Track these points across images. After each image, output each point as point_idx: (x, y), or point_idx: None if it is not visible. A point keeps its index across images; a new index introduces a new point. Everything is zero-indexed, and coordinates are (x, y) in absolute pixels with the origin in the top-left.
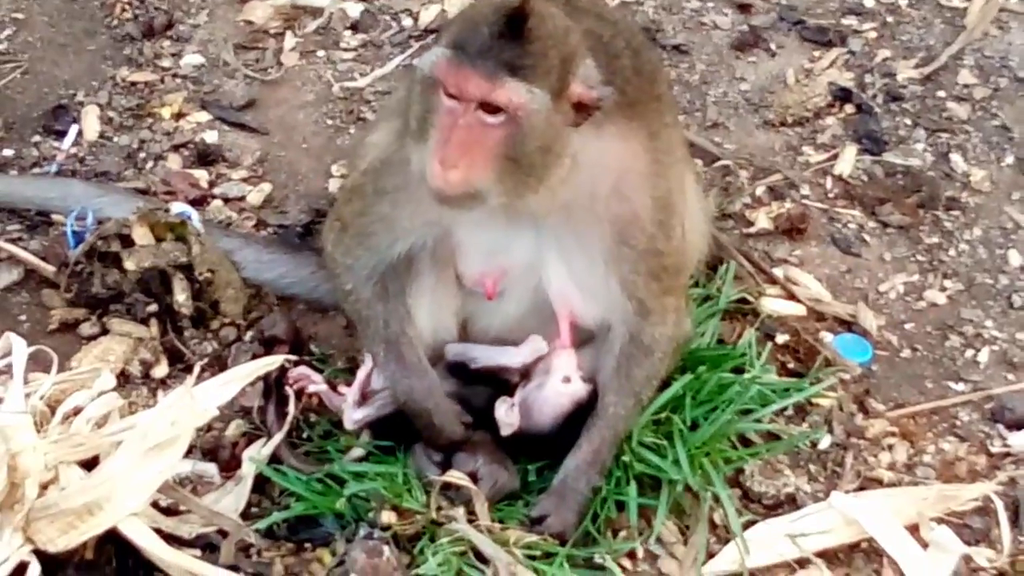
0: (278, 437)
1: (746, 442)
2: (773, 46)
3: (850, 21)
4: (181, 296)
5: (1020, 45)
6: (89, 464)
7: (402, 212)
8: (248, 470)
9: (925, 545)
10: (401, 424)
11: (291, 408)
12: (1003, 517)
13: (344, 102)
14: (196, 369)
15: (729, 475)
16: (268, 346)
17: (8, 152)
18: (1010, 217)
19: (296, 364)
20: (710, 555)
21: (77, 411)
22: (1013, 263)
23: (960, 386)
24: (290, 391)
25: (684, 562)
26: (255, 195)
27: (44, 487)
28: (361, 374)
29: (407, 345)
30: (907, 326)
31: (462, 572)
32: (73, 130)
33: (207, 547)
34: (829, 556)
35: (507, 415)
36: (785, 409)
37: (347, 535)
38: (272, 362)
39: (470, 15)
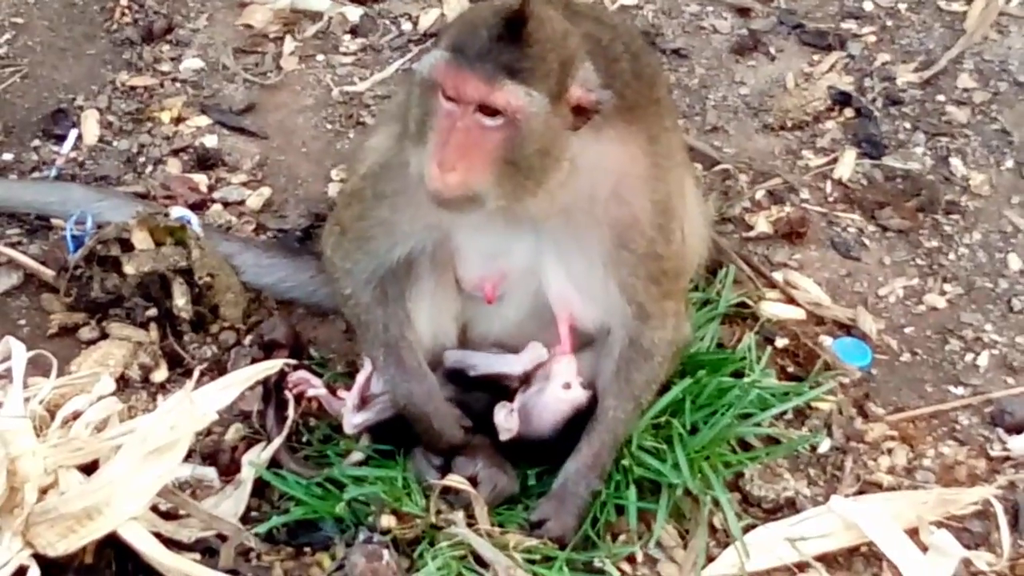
0: (277, 441)
1: (746, 446)
2: (772, 50)
3: (849, 25)
4: (181, 300)
5: (1020, 49)
6: (89, 468)
7: (401, 216)
8: (247, 474)
9: (925, 549)
10: (401, 428)
11: (291, 412)
12: (1003, 521)
13: (343, 106)
14: (195, 373)
15: (729, 479)
16: (268, 350)
17: (8, 156)
18: (1010, 221)
19: (296, 368)
20: (710, 559)
21: (76, 415)
22: (1013, 267)
23: (960, 390)
24: (289, 395)
25: (684, 566)
26: (255, 199)
27: (44, 491)
28: (360, 378)
29: (406, 349)
30: (907, 330)
31: None
32: (73, 134)
33: (206, 551)
34: (829, 560)
35: (506, 420)
36: (785, 413)
37: (347, 539)
38: (272, 366)
39: (469, 18)
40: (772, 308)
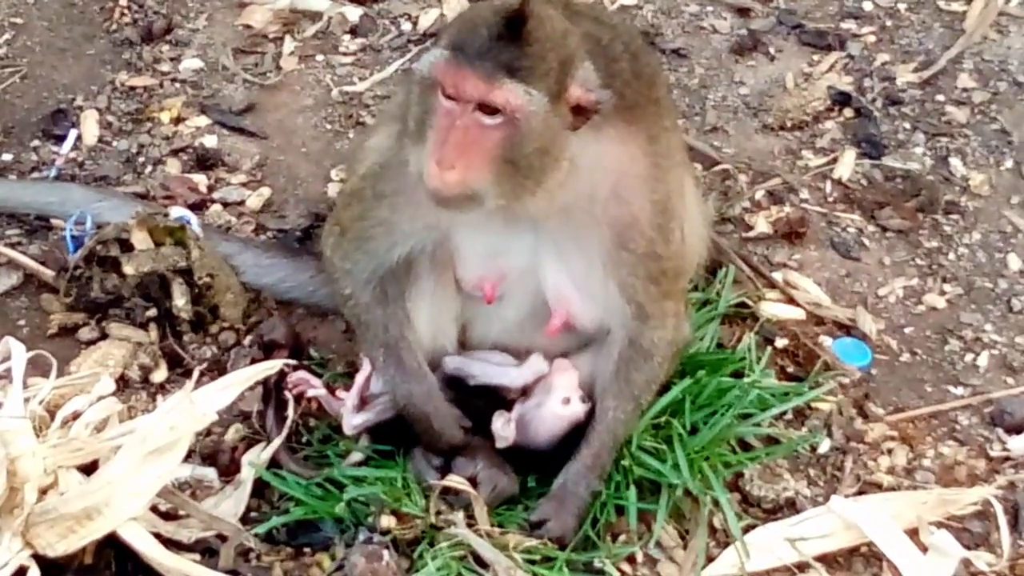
0: (277, 441)
1: (746, 446)
2: (772, 50)
3: (849, 25)
4: (180, 300)
5: (1019, 49)
6: (88, 469)
7: (401, 216)
8: (247, 474)
9: (925, 549)
10: (400, 428)
11: (290, 412)
12: (1002, 521)
13: (343, 106)
14: (195, 373)
15: (729, 479)
16: (267, 350)
17: (7, 157)
18: (1009, 221)
19: (295, 368)
20: (710, 559)
21: (76, 416)
22: (1012, 267)
23: (959, 390)
24: (289, 395)
25: (684, 566)
26: (254, 199)
27: (43, 492)
28: (359, 379)
29: (406, 349)
30: (906, 330)
31: None
32: (72, 135)
33: (206, 551)
34: (829, 560)
35: (503, 429)
36: (784, 413)
37: (346, 539)
38: (271, 366)
39: (469, 17)
40: (772, 308)
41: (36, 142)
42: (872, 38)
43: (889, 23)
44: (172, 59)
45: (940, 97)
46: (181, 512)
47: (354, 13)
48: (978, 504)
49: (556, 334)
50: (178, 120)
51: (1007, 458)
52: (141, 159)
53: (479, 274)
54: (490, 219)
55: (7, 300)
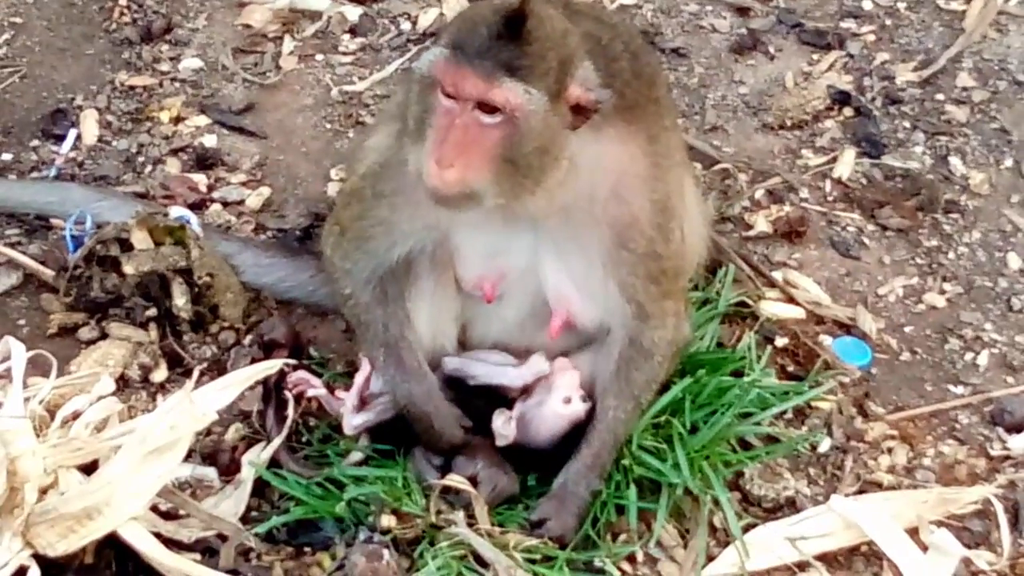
0: (277, 441)
1: (746, 445)
2: (772, 49)
3: (849, 24)
4: (180, 300)
5: (1019, 48)
6: (88, 468)
7: (401, 216)
8: (247, 474)
9: (925, 548)
10: (400, 428)
11: (290, 412)
12: (1003, 520)
13: (343, 106)
14: (195, 373)
15: (729, 478)
16: (267, 350)
17: (7, 156)
18: (1009, 220)
19: (295, 368)
20: (710, 558)
21: (76, 415)
22: (1012, 266)
23: (959, 389)
24: (289, 395)
25: (684, 565)
26: (254, 199)
27: (43, 491)
28: (359, 379)
29: (406, 349)
30: (906, 329)
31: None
32: (72, 134)
33: (207, 551)
34: (829, 559)
35: (504, 427)
36: (784, 412)
37: (347, 539)
38: (271, 366)
39: (469, 16)
40: (772, 307)
41: (36, 142)
42: (872, 37)
43: (889, 22)
44: (172, 59)
45: (940, 96)
46: (181, 512)
47: (354, 12)
48: (978, 503)
49: (556, 334)
50: (178, 120)
51: (1007, 457)
52: (141, 159)
53: (479, 273)
54: (490, 218)
55: (7, 300)
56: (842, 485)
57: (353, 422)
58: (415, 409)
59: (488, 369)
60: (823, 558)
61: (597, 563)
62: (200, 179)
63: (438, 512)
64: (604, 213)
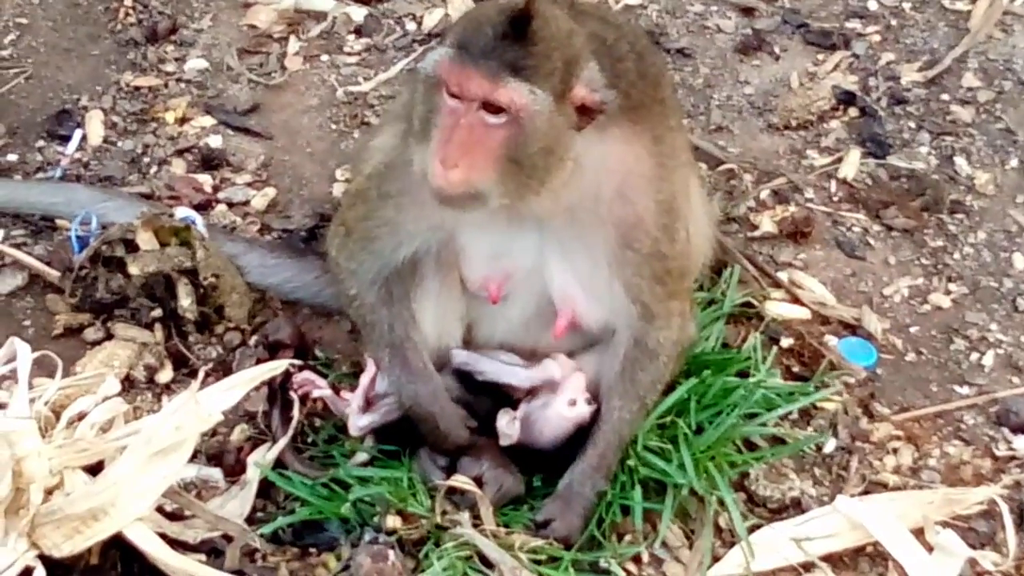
0: (283, 442)
1: (751, 446)
2: (777, 49)
3: (854, 24)
4: (185, 301)
5: None
6: (94, 469)
7: (406, 216)
8: (253, 475)
9: (930, 549)
10: (406, 428)
11: (296, 413)
12: (1008, 520)
13: (348, 106)
14: (201, 374)
15: (734, 479)
16: (272, 351)
17: (12, 157)
18: (1014, 220)
19: (301, 369)
20: (715, 559)
21: (82, 416)
22: (1018, 266)
23: (965, 390)
24: (295, 396)
25: (689, 566)
26: (259, 199)
27: (49, 492)
28: (364, 380)
29: (412, 350)
30: (912, 330)
31: None
32: (77, 135)
33: (212, 552)
34: (834, 560)
35: (508, 427)
36: (790, 413)
37: (352, 540)
38: (277, 367)
39: (474, 16)
40: (777, 308)
41: (41, 142)
42: (877, 37)
43: (894, 22)
44: (177, 59)
45: (945, 96)
46: (187, 512)
47: (359, 13)
48: (984, 504)
49: (561, 334)
50: (183, 120)
51: (1013, 457)
52: (146, 159)
53: (484, 274)
54: (495, 219)
55: (12, 300)
56: (847, 486)
57: (359, 423)
58: (420, 410)
59: (498, 366)
60: (828, 559)
61: (602, 564)
62: (205, 180)
63: (443, 513)
64: (609, 213)
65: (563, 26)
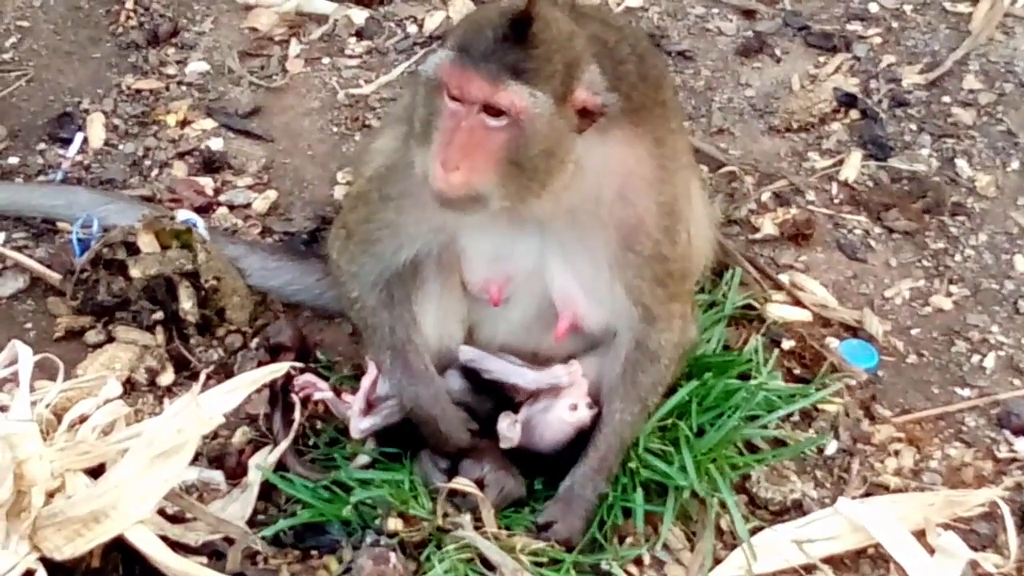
0: (284, 444)
1: (752, 448)
2: (778, 52)
3: (855, 27)
4: (187, 304)
5: None
6: (95, 472)
7: (407, 219)
8: (254, 477)
9: (932, 551)
10: (407, 431)
11: (297, 415)
12: (1010, 522)
13: (349, 109)
14: (202, 376)
15: (735, 481)
16: (274, 353)
17: (13, 160)
18: (1016, 222)
19: (302, 371)
20: (717, 561)
21: (83, 419)
22: (1019, 268)
23: (966, 392)
24: (296, 398)
25: (691, 568)
26: (260, 202)
27: (50, 495)
28: (366, 382)
29: (413, 352)
30: (913, 332)
31: None
32: (78, 138)
33: (213, 554)
34: (836, 562)
35: (509, 430)
36: (791, 415)
37: (354, 542)
38: (278, 369)
39: (475, 19)
40: (778, 310)
41: (42, 145)
42: (878, 40)
43: (895, 25)
44: (178, 62)
45: (946, 98)
46: (188, 515)
47: (360, 16)
48: (985, 506)
49: (562, 336)
50: (184, 123)
51: (1014, 459)
52: (147, 162)
53: (485, 276)
54: (496, 221)
55: (14, 303)
56: (849, 488)
57: (360, 425)
58: (422, 412)
59: (505, 366)
60: (830, 561)
61: (604, 566)
62: (207, 182)
63: (445, 515)
64: (610, 215)
65: (564, 29)
